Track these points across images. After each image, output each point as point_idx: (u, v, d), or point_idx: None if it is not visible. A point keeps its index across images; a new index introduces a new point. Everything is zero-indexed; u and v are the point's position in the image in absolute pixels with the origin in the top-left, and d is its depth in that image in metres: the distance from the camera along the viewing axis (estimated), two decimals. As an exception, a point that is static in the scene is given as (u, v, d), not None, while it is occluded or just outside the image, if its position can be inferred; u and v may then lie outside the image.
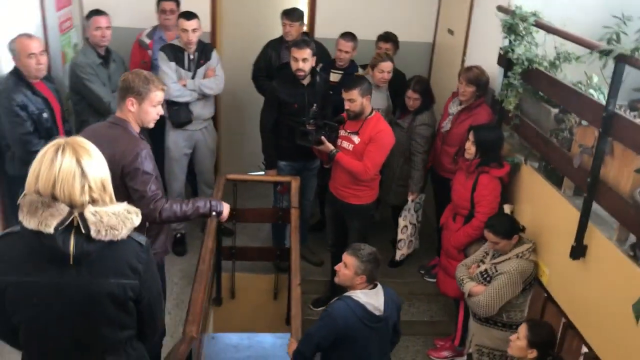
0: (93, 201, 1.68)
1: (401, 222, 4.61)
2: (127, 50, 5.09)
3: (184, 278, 4.58)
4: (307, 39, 4.52)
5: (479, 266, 3.65)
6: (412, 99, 4.40)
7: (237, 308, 4.74)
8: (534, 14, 3.58)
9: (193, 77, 4.55)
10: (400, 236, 4.66)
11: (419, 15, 5.70)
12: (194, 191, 5.21)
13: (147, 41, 5.00)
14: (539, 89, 3.62)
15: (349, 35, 4.83)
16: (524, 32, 3.58)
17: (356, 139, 4.06)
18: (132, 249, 1.78)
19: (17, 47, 3.54)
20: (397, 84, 4.76)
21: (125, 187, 2.80)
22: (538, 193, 3.61)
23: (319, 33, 5.77)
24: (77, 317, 1.75)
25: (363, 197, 4.18)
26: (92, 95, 4.25)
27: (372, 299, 2.94)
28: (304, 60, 4.24)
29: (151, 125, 3.02)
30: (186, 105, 4.53)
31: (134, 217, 1.74)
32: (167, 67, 4.44)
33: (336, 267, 3.07)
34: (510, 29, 3.66)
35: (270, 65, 4.97)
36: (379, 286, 3.02)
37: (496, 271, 3.49)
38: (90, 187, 1.67)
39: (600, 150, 2.86)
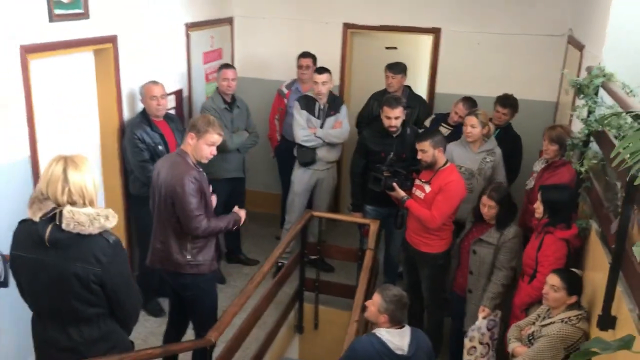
0: (72, 202, 2.22)
1: (467, 343, 3.95)
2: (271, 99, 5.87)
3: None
4: (398, 97, 4.77)
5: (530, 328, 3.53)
6: (487, 206, 3.94)
7: (320, 339, 5.02)
8: (605, 76, 3.44)
9: (322, 126, 5.11)
10: (466, 358, 3.99)
11: (543, 74, 5.60)
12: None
13: (285, 91, 5.71)
14: (603, 152, 3.44)
15: (468, 102, 4.99)
16: (591, 93, 3.45)
17: (427, 188, 4.19)
18: (99, 244, 2.27)
19: (144, 90, 4.40)
20: (510, 146, 4.81)
21: (173, 204, 3.37)
22: (597, 259, 3.39)
23: (440, 88, 6.00)
24: (54, 288, 2.29)
25: (433, 245, 4.26)
26: (212, 132, 5.01)
27: (395, 338, 3.07)
28: (396, 119, 4.53)
29: (204, 161, 3.55)
30: (312, 148, 5.11)
31: (103, 219, 2.24)
32: (299, 115, 5.08)
33: (366, 303, 3.26)
34: (579, 89, 3.56)
35: (372, 115, 5.35)
36: (407, 327, 3.14)
37: (540, 334, 3.35)
38: (70, 191, 2.22)
39: (624, 217, 2.69)
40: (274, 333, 4.32)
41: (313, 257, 4.96)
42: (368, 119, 5.40)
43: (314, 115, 5.11)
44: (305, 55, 5.59)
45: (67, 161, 2.25)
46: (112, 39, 4.22)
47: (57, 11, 3.64)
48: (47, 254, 2.26)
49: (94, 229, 2.23)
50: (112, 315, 2.40)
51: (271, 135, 5.78)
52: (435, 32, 5.88)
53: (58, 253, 2.25)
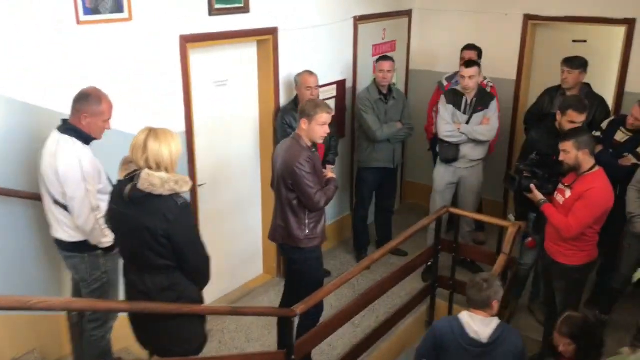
0: (150, 167, 2.58)
1: None
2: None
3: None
4: (585, 102, 4.28)
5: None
6: (562, 343, 3.28)
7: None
8: None
9: (468, 121, 4.94)
10: None
11: None
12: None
13: (445, 83, 5.61)
14: None
15: None
16: None
17: (568, 193, 3.83)
18: (168, 204, 2.60)
19: (299, 79, 4.72)
20: None
21: (291, 184, 3.64)
22: None
23: (630, 87, 5.33)
24: (133, 238, 2.68)
25: (571, 256, 3.88)
26: (364, 123, 5.17)
27: (477, 324, 3.09)
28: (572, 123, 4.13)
29: (319, 141, 3.78)
30: (456, 144, 4.97)
31: (173, 184, 2.57)
32: (444, 109, 4.98)
33: None
34: None
35: (542, 111, 4.97)
36: (496, 320, 3.12)
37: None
38: (147, 157, 2.58)
39: None
40: (392, 322, 4.35)
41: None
42: (537, 116, 5.03)
43: (459, 110, 4.94)
44: (468, 47, 5.42)
45: (150, 132, 2.63)
46: (273, 31, 4.62)
47: (218, 5, 4.14)
48: (127, 208, 2.66)
49: (164, 191, 2.58)
50: (181, 269, 2.74)
51: (427, 128, 5.72)
52: (629, 23, 5.22)
53: (135, 208, 2.63)
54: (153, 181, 2.54)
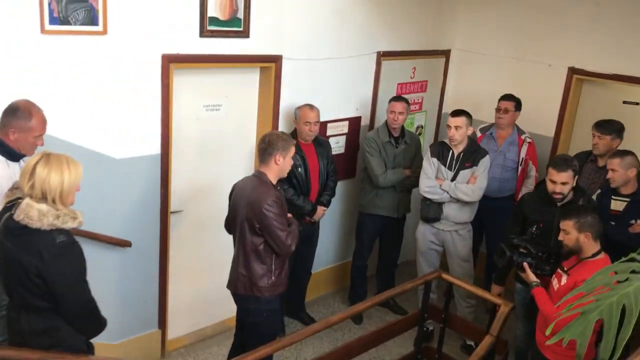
0: (33, 196, 2.32)
1: None
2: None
3: None
4: (569, 158, 3.83)
5: None
6: None
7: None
8: None
9: (454, 178, 4.45)
10: None
11: None
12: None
13: (478, 134, 5.14)
14: None
15: None
16: None
17: (564, 279, 3.29)
18: (45, 240, 2.33)
19: (299, 113, 4.41)
20: None
21: (259, 224, 3.34)
22: None
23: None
24: (9, 272, 2.44)
25: (561, 354, 3.33)
26: (368, 165, 4.78)
27: None
28: (563, 184, 3.68)
29: (285, 174, 3.54)
30: (438, 202, 4.48)
31: (52, 218, 2.30)
32: (428, 163, 4.49)
33: None
34: None
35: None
36: None
37: None
38: (33, 185, 2.32)
39: None
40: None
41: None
42: None
43: (445, 165, 4.44)
44: (506, 97, 4.94)
45: (42, 157, 2.38)
46: (275, 59, 4.35)
47: (211, 27, 3.91)
48: (5, 238, 2.43)
49: (42, 225, 2.32)
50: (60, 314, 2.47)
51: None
52: (687, 88, 4.58)
53: (11, 240, 2.39)
54: (30, 213, 2.30)
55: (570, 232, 3.24)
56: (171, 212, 4.17)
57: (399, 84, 5.47)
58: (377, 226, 4.97)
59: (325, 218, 5.07)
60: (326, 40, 4.68)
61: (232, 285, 3.62)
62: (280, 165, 3.40)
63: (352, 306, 3.94)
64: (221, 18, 3.96)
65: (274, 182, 3.44)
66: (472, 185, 4.38)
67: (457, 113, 4.37)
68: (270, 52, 4.31)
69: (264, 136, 3.47)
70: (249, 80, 4.47)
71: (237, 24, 4.06)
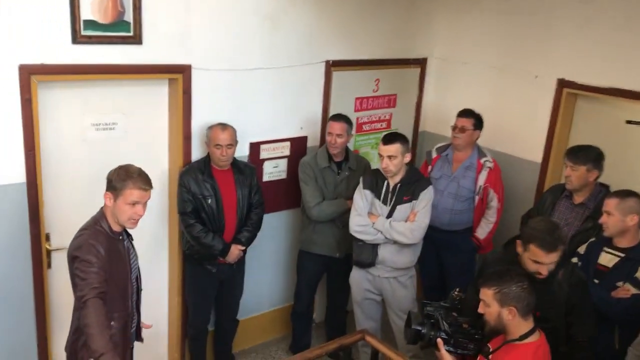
0: None
1: None
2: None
3: None
4: (557, 236, 2.82)
5: None
6: None
7: None
8: None
9: (390, 214, 3.65)
10: None
11: None
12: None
13: (434, 155, 4.34)
14: None
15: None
16: None
17: (487, 366, 2.45)
18: None
19: (209, 134, 3.71)
20: None
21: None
22: None
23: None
24: None
25: None
26: (303, 193, 4.03)
27: None
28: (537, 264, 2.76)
29: (130, 226, 2.79)
30: (372, 244, 3.69)
31: None
32: (359, 195, 3.73)
33: None
34: None
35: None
36: None
37: None
38: None
39: None
40: None
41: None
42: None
43: (379, 199, 3.64)
44: (463, 113, 4.14)
45: None
46: (182, 69, 3.67)
47: (87, 32, 3.28)
48: None
49: None
50: None
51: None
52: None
53: None
54: None
55: (490, 305, 2.40)
56: (52, 251, 3.55)
57: (357, 98, 4.69)
58: (317, 267, 4.21)
59: (265, 255, 4.39)
60: (254, 48, 3.97)
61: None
62: (112, 207, 2.73)
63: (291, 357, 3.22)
64: (101, 21, 3.31)
65: (114, 227, 2.75)
66: (411, 223, 3.58)
67: (389, 140, 3.58)
68: (172, 61, 3.63)
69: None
70: (155, 95, 3.80)
71: (124, 28, 3.40)
